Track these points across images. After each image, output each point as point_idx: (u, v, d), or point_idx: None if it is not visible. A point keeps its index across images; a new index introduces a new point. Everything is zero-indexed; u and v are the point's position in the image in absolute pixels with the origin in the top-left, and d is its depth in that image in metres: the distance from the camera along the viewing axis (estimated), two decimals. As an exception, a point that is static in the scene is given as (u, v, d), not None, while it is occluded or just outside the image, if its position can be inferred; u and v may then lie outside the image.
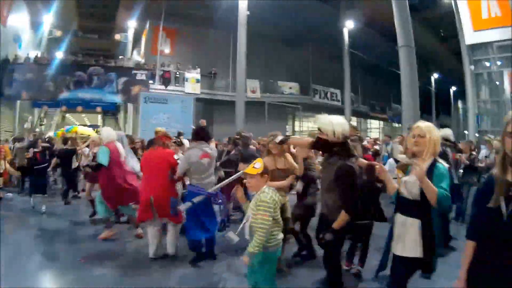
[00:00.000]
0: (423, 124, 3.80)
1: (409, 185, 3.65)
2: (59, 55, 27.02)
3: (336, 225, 4.30)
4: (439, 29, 37.18)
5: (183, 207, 6.24)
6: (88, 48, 27.80)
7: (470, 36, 27.22)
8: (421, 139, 3.67)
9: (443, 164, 3.63)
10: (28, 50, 26.66)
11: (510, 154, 2.70)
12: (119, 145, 7.55)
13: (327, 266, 4.72)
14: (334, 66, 35.68)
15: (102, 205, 7.51)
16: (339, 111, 36.17)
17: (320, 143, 4.50)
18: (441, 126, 31.77)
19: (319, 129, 4.49)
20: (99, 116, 27.96)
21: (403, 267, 3.72)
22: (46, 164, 11.93)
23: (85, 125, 25.30)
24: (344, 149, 4.39)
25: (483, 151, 10.57)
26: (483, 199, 2.80)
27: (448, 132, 8.51)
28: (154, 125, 21.98)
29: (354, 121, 38.30)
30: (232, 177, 5.92)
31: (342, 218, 4.25)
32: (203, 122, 9.12)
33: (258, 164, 4.13)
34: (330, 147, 4.42)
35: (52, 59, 26.74)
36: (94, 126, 25.57)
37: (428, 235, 3.57)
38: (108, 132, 7.69)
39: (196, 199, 6.17)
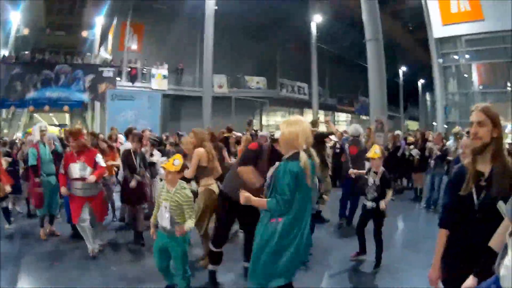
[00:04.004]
0: (282, 122, 3.93)
1: None
2: (27, 53, 26.98)
3: None
4: (407, 22, 37.67)
5: None
6: (55, 45, 27.70)
7: (438, 30, 27.93)
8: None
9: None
10: (-5, 50, 26.50)
11: (472, 143, 2.79)
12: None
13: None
14: (301, 59, 35.81)
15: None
16: (306, 104, 36.60)
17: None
18: (410, 118, 32.86)
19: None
20: (67, 115, 28.03)
21: None
22: None
23: (53, 125, 25.33)
24: None
25: (450, 142, 10.77)
26: (454, 188, 2.87)
27: (353, 128, 9.39)
28: (121, 123, 22.19)
29: (321, 114, 38.72)
30: None
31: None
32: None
33: (177, 161, 4.59)
34: None
35: (20, 57, 26.74)
36: (62, 126, 25.62)
37: None
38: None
39: None
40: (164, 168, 4.64)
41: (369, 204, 6.06)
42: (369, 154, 6.18)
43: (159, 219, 4.69)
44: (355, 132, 9.05)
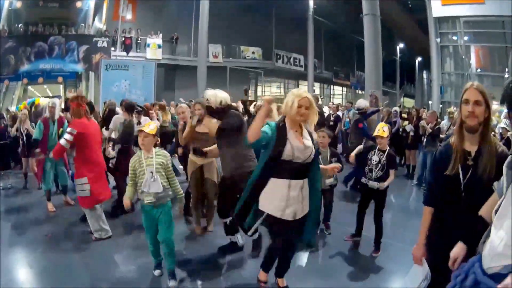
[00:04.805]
0: (310, 96, 3.89)
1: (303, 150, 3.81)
2: (20, 26, 26.60)
3: None
4: (407, 0, 37.47)
5: None
6: (48, 17, 27.31)
7: (437, 9, 27.73)
8: (306, 111, 3.80)
9: None
10: (-12, 24, 26.02)
11: (466, 121, 2.73)
12: None
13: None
14: (298, 31, 35.41)
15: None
16: (302, 76, 36.44)
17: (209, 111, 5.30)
18: (405, 95, 32.89)
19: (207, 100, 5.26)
20: (61, 87, 27.82)
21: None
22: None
23: (47, 97, 25.10)
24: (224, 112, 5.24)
25: (444, 122, 10.74)
26: (440, 166, 2.87)
27: (358, 102, 10.36)
28: (115, 93, 22.16)
29: (317, 87, 38.65)
30: None
31: None
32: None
33: (152, 125, 4.64)
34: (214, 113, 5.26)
35: (13, 31, 26.33)
36: (56, 97, 25.31)
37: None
38: None
39: None
40: (140, 131, 4.56)
41: (373, 183, 5.75)
42: (377, 133, 5.91)
43: (146, 188, 4.55)
44: (358, 106, 9.91)
